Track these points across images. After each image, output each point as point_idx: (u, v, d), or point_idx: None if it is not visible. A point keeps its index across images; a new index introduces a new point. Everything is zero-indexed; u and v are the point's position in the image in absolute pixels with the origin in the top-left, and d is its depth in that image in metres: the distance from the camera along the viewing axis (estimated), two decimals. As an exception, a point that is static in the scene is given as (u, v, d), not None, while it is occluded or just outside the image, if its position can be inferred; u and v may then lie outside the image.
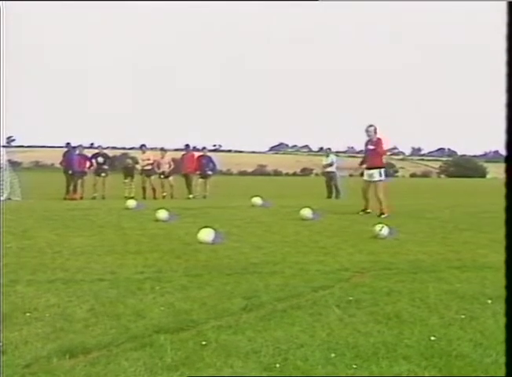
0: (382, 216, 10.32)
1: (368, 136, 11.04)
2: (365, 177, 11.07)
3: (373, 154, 10.92)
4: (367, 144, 11.12)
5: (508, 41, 0.85)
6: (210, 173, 18.24)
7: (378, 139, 10.92)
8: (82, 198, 16.78)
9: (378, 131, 11.02)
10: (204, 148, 19.57)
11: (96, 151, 18.57)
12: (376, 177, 10.75)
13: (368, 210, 10.93)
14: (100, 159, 17.73)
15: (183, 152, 19.10)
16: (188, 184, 17.88)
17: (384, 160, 11.13)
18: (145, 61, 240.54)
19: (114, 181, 18.16)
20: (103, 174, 17.52)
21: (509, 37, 0.85)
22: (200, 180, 18.13)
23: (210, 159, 18.60)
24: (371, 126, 11.01)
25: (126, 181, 17.88)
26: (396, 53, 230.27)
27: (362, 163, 11.38)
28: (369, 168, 10.97)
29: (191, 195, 17.55)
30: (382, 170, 10.88)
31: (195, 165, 17.94)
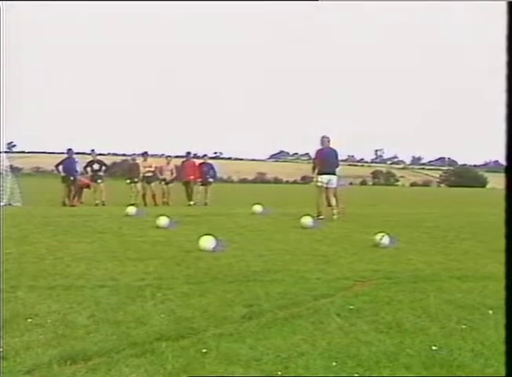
0: (320, 217, 11.49)
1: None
2: None
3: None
4: None
5: (508, 41, 0.86)
6: (211, 180, 18.27)
7: (324, 148, 12.28)
8: (82, 203, 16.90)
9: (330, 142, 12.40)
10: (205, 155, 19.66)
11: (91, 158, 18.22)
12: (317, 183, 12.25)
13: (322, 215, 11.71)
14: (96, 166, 17.66)
15: (183, 159, 19.12)
16: (190, 192, 17.89)
17: (318, 168, 12.23)
18: (146, 67, 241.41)
19: (114, 187, 18.16)
20: (99, 181, 17.49)
21: (509, 37, 0.86)
22: (201, 187, 18.15)
23: (211, 167, 18.66)
24: (323, 137, 12.40)
25: (128, 181, 17.77)
26: (397, 60, 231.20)
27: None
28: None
29: (191, 202, 17.55)
30: (319, 177, 12.13)
31: (197, 172, 17.98)
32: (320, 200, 12.10)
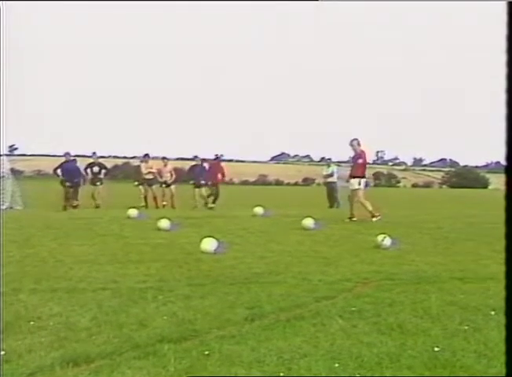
0: (374, 219, 11.71)
1: (353, 150, 12.37)
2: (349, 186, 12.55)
3: (355, 165, 12.26)
4: (353, 157, 12.45)
5: (508, 41, 0.86)
6: (202, 182, 17.82)
7: (362, 151, 12.27)
8: (77, 206, 16.88)
9: (361, 144, 12.33)
10: (196, 156, 19.05)
11: (92, 160, 18.22)
12: (355, 186, 12.10)
13: (354, 219, 12.01)
14: (96, 169, 17.67)
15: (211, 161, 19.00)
16: (215, 194, 17.84)
17: (365, 171, 12.41)
18: (147, 68, 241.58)
19: (115, 190, 18.14)
20: (98, 183, 17.48)
21: (509, 37, 0.86)
22: (197, 189, 17.89)
23: (203, 168, 18.42)
24: (354, 139, 12.39)
25: (136, 183, 17.82)
26: (398, 61, 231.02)
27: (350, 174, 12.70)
28: (351, 177, 12.40)
29: (212, 205, 17.46)
30: (362, 180, 12.12)
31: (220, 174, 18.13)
32: (353, 202, 12.29)
